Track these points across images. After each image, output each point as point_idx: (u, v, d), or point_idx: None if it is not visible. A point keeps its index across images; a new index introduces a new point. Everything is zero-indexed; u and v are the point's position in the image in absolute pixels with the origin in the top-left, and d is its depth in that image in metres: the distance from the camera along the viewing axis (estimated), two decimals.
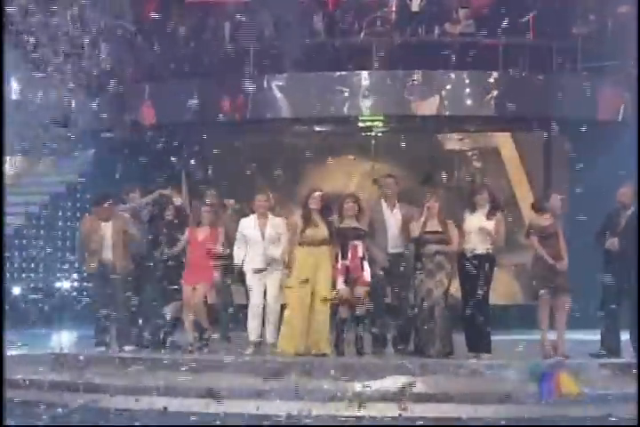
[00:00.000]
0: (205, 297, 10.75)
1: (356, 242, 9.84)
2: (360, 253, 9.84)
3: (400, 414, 8.58)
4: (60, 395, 9.47)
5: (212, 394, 9.03)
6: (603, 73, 14.50)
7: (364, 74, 14.13)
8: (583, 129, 13.14)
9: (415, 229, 9.90)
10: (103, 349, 10.87)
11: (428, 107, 14.02)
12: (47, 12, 14.61)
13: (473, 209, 10.15)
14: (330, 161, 15.14)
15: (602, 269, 10.35)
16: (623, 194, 10.31)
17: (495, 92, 14.00)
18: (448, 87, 14.06)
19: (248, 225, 10.19)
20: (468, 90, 14.15)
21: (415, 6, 14.83)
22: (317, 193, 10.04)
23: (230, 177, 14.62)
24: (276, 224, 10.22)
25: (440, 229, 9.91)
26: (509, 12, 14.38)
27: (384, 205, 10.32)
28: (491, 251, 10.00)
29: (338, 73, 14.19)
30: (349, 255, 9.81)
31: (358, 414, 8.56)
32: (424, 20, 14.70)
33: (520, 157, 15.24)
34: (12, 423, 6.81)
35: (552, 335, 10.53)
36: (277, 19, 14.74)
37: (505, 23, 14.04)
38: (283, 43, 14.31)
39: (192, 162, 14.64)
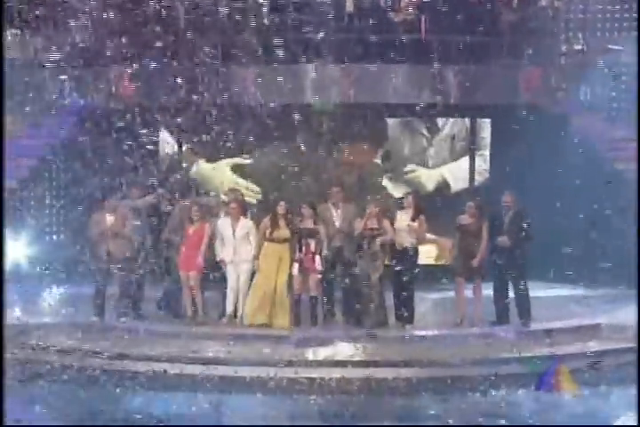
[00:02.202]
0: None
1: (310, 240, 12.07)
2: (312, 249, 12.08)
3: (343, 376, 10.44)
4: (75, 358, 11.12)
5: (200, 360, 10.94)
6: (532, 64, 15.50)
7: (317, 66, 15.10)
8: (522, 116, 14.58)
9: (358, 228, 12.06)
10: (99, 318, 12.64)
11: (374, 95, 15.22)
12: None
13: (402, 209, 12.38)
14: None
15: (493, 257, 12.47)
16: (505, 200, 12.44)
17: (434, 82, 15.06)
18: (391, 78, 15.09)
19: (224, 226, 12.39)
20: (408, 80, 15.19)
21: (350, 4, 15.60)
22: (282, 202, 12.35)
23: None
24: (246, 225, 12.42)
25: (376, 226, 12.02)
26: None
27: (331, 207, 12.60)
28: (415, 244, 12.22)
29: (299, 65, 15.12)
30: (304, 250, 12.06)
31: (312, 376, 10.46)
32: (372, 12, 15.52)
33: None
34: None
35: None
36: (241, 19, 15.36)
37: (443, 13, 15.33)
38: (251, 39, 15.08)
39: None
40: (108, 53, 15.77)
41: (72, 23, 16.02)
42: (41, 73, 16.26)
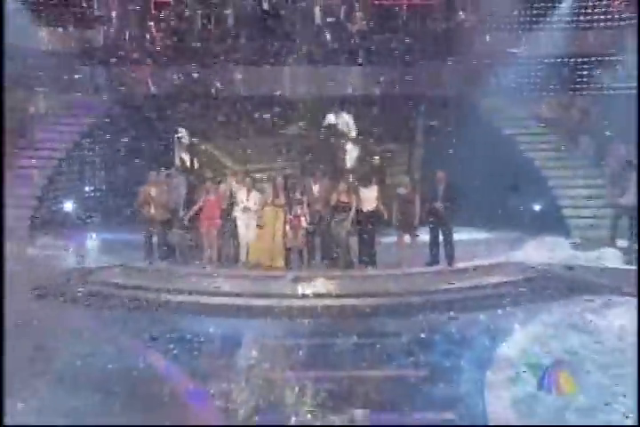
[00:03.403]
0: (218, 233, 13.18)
1: (298, 206, 12.86)
2: (299, 212, 12.86)
3: (325, 304, 10.93)
4: (131, 293, 11.67)
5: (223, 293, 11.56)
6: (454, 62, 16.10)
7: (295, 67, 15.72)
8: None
9: (333, 200, 12.81)
10: (147, 262, 13.20)
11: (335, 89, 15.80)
12: None
13: (366, 186, 13.02)
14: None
15: (431, 217, 13.07)
16: (438, 176, 13.00)
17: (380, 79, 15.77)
18: (344, 78, 15.84)
19: (239, 194, 13.13)
20: (357, 78, 15.88)
21: (318, 17, 16.15)
22: (280, 178, 13.15)
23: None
24: (254, 195, 13.09)
25: (346, 200, 12.79)
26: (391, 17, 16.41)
27: (312, 183, 13.26)
28: (375, 208, 12.91)
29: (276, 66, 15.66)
30: (293, 213, 12.88)
31: (303, 304, 11.09)
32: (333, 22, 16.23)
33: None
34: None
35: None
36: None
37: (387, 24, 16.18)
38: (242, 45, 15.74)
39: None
40: (136, 53, 16.09)
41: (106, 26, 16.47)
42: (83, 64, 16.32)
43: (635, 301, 10.68)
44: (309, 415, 7.16)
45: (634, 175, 13.68)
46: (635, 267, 12.55)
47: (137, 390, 7.64)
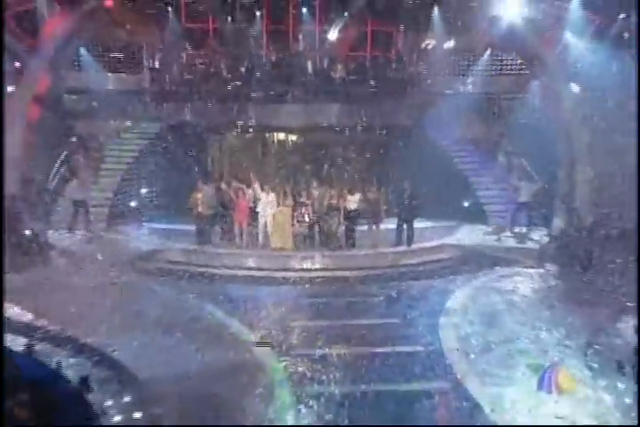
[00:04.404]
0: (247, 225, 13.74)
1: (303, 207, 13.54)
2: (304, 211, 13.51)
3: (324, 275, 11.67)
4: (187, 268, 12.13)
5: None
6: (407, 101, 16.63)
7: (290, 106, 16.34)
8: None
9: (326, 202, 13.59)
10: (200, 246, 13.64)
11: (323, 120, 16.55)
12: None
13: (350, 193, 13.71)
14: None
15: (397, 214, 13.89)
16: (405, 186, 13.60)
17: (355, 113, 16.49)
18: (331, 110, 16.45)
19: (262, 197, 13.79)
20: (339, 113, 16.56)
21: (310, 68, 16.78)
22: (287, 187, 13.82)
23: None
24: (270, 197, 13.72)
25: (336, 202, 13.62)
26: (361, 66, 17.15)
27: (313, 190, 13.95)
28: (357, 208, 13.66)
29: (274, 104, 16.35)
30: (300, 212, 13.56)
31: (308, 275, 11.67)
32: (320, 71, 16.93)
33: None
34: None
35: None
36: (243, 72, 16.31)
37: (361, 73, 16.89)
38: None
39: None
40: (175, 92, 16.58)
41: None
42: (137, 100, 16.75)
43: (531, 270, 11.76)
44: (327, 349, 7.81)
45: (534, 183, 14.78)
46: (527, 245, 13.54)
47: (207, 332, 8.27)
